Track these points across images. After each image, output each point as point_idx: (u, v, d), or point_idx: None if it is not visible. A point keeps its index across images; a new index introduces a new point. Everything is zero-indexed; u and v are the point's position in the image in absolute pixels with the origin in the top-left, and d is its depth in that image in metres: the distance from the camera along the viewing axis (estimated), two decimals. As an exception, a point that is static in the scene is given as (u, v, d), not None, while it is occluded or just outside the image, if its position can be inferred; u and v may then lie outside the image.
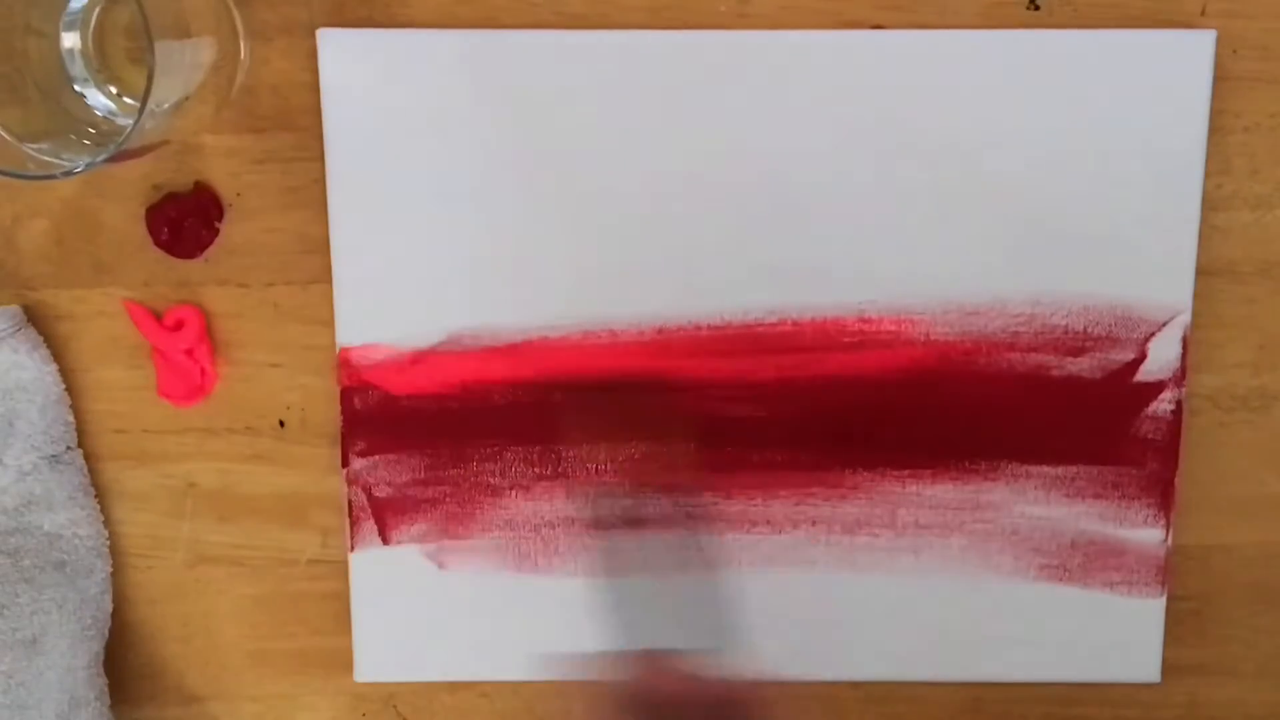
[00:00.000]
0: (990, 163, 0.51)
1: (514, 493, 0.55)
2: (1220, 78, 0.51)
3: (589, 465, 0.54)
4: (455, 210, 0.52)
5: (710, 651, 0.47)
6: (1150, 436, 0.54)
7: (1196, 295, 0.53)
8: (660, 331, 0.53)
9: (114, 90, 0.49)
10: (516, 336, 0.53)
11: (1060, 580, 0.55)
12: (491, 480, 0.54)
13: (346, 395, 0.54)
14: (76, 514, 0.54)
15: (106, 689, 0.55)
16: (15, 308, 0.53)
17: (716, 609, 0.48)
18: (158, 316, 0.54)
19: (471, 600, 0.55)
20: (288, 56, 0.51)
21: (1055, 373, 0.53)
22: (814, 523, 0.55)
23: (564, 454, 0.54)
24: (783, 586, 0.55)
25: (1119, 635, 0.55)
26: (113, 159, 0.44)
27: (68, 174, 0.44)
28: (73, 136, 0.48)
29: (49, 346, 0.54)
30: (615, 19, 0.51)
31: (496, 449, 0.54)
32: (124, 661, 0.57)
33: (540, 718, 0.57)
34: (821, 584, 0.55)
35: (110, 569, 0.55)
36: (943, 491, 0.54)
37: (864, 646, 0.56)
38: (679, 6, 0.51)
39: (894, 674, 0.56)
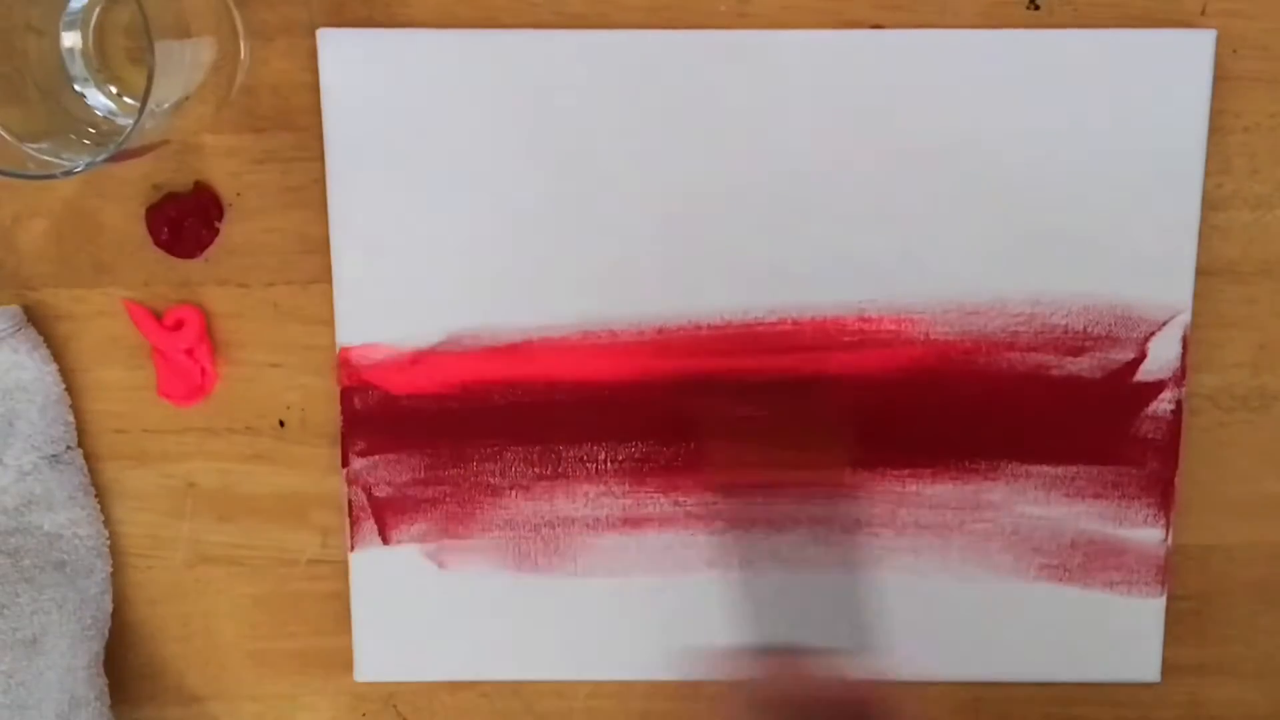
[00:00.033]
0: (990, 162, 0.51)
1: (514, 493, 0.55)
2: (1220, 78, 0.51)
3: (589, 465, 0.54)
4: (455, 210, 0.52)
5: (844, 651, 0.46)
6: (1150, 436, 0.54)
7: (1196, 295, 0.53)
8: (660, 331, 0.53)
9: (114, 90, 0.49)
10: (516, 336, 0.53)
11: (1060, 580, 0.55)
12: (491, 480, 0.54)
13: (346, 395, 0.54)
14: (76, 514, 0.54)
15: (106, 689, 0.55)
16: (15, 308, 0.53)
17: (854, 608, 0.47)
18: (158, 316, 0.54)
19: (471, 600, 0.55)
20: (288, 56, 0.51)
21: (1055, 373, 0.53)
22: (814, 523, 0.55)
23: (564, 454, 0.54)
24: (783, 586, 0.55)
25: (1119, 635, 0.55)
26: (113, 159, 0.44)
27: (68, 174, 0.44)
28: (73, 136, 0.48)
29: (49, 346, 0.54)
30: (615, 19, 0.51)
31: (496, 449, 0.54)
32: (124, 661, 0.57)
33: (540, 717, 0.57)
34: (822, 584, 0.55)
35: (110, 569, 0.55)
36: (943, 491, 0.54)
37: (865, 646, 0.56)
38: (679, 6, 0.51)
39: (894, 674, 0.56)
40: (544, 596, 0.55)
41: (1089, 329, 0.53)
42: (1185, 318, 0.53)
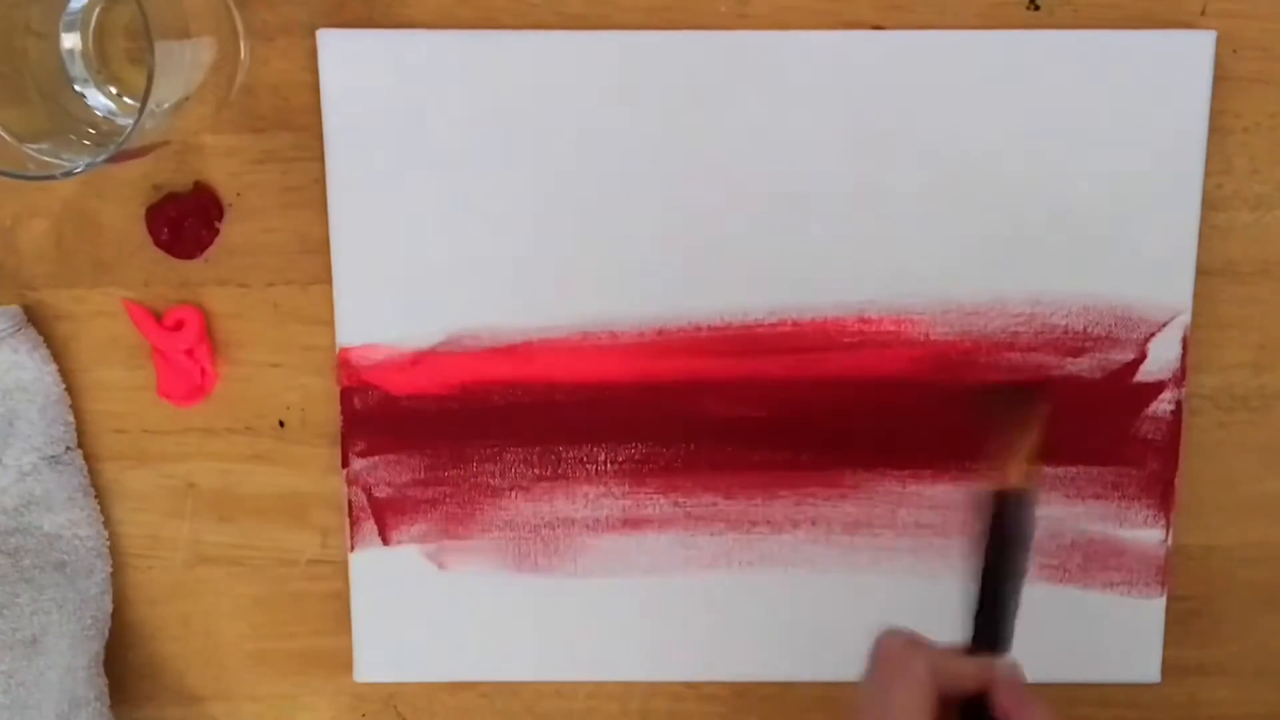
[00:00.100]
0: (990, 163, 0.51)
1: (514, 493, 0.55)
2: (1220, 78, 0.51)
3: (589, 466, 0.54)
4: (455, 210, 0.52)
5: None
6: (1150, 436, 0.54)
7: (1196, 295, 0.53)
8: (660, 332, 0.53)
9: (114, 90, 0.49)
10: (516, 337, 0.53)
11: (1060, 580, 0.55)
12: (491, 480, 0.54)
13: (346, 395, 0.54)
14: (76, 514, 0.54)
15: (106, 689, 0.55)
16: (15, 308, 0.53)
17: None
18: (158, 316, 0.54)
19: (471, 600, 0.55)
20: (288, 56, 0.51)
21: (1055, 373, 0.53)
22: (814, 523, 0.55)
23: (564, 455, 0.54)
24: (783, 586, 0.55)
25: (1119, 635, 0.55)
26: (113, 159, 0.44)
27: (68, 174, 0.44)
28: (73, 136, 0.48)
29: (49, 346, 0.54)
30: (615, 19, 0.51)
31: (496, 449, 0.54)
32: (124, 661, 0.57)
33: (540, 717, 0.57)
34: (821, 584, 0.55)
35: (110, 569, 0.55)
36: (943, 491, 0.54)
37: (865, 646, 0.55)
38: (679, 7, 0.51)
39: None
40: (544, 596, 0.55)
41: (1089, 329, 0.53)
42: (1185, 318, 0.53)
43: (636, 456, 0.54)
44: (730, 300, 0.53)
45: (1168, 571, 0.55)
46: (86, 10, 0.48)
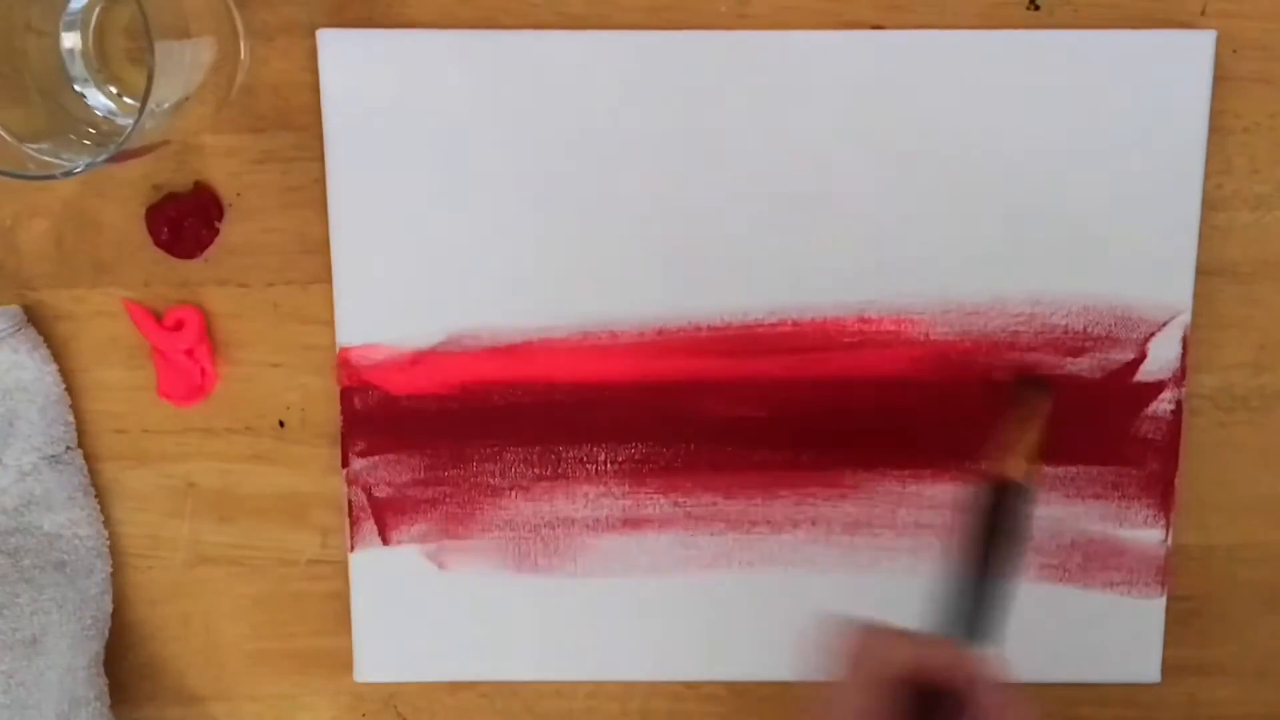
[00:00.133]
0: (990, 162, 0.51)
1: (514, 493, 0.55)
2: (1220, 78, 0.51)
3: (589, 466, 0.54)
4: (455, 210, 0.52)
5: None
6: (1150, 436, 0.54)
7: (1196, 295, 0.53)
8: (660, 332, 0.53)
9: (114, 90, 0.49)
10: (516, 337, 0.53)
11: (1060, 580, 0.55)
12: (491, 480, 0.54)
13: (346, 395, 0.54)
14: (76, 514, 0.54)
15: (106, 689, 0.55)
16: (15, 308, 0.53)
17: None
18: (158, 316, 0.54)
19: (471, 600, 0.55)
20: (288, 56, 0.51)
21: (1055, 373, 0.53)
22: (814, 523, 0.55)
23: (564, 455, 0.54)
24: (783, 586, 0.55)
25: (1119, 635, 0.55)
26: (113, 159, 0.44)
27: (68, 174, 0.44)
28: (73, 136, 0.48)
29: (49, 346, 0.54)
30: (615, 19, 0.51)
31: (496, 449, 0.54)
32: (124, 661, 0.57)
33: (540, 717, 0.57)
34: (821, 584, 0.55)
35: (110, 569, 0.55)
36: (943, 491, 0.54)
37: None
38: (679, 7, 0.51)
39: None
40: (544, 596, 0.55)
41: (1089, 329, 0.53)
42: (1185, 318, 0.53)
43: (636, 456, 0.54)
44: (730, 300, 0.53)
45: (1168, 571, 0.55)
46: (86, 10, 0.48)
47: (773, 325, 0.53)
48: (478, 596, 0.55)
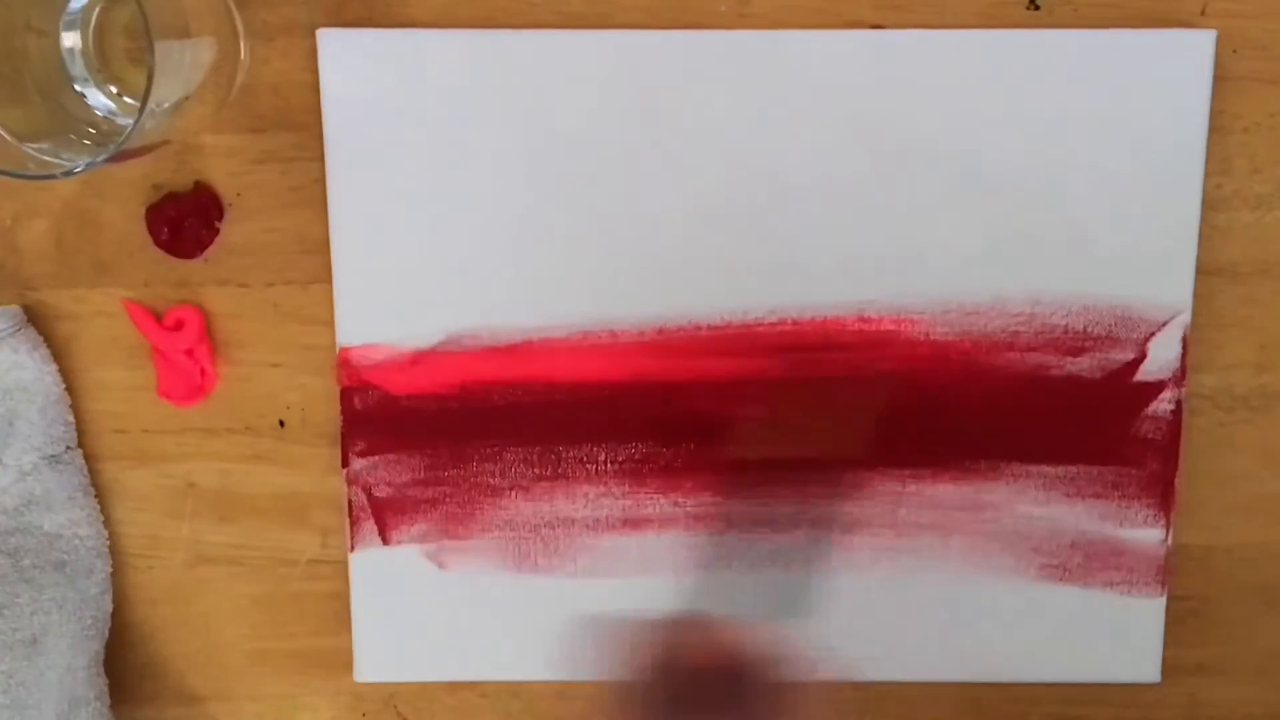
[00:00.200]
0: (990, 162, 0.51)
1: (514, 493, 0.55)
2: (1220, 78, 0.51)
3: (589, 466, 0.54)
4: (455, 210, 0.52)
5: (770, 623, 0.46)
6: (1150, 436, 0.54)
7: (1196, 295, 0.53)
8: (660, 331, 0.53)
9: (114, 90, 0.49)
10: (516, 336, 0.53)
11: (1060, 580, 0.55)
12: (491, 480, 0.54)
13: (346, 395, 0.54)
14: (76, 514, 0.54)
15: (106, 689, 0.55)
16: (15, 308, 0.53)
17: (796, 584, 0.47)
18: (158, 316, 0.54)
19: (471, 600, 0.55)
20: (288, 56, 0.51)
21: (1055, 373, 0.53)
22: (814, 523, 0.55)
23: (564, 455, 0.54)
24: (783, 586, 0.55)
25: (1119, 635, 0.55)
26: (113, 159, 0.44)
27: (68, 174, 0.44)
28: (73, 136, 0.48)
29: (49, 346, 0.54)
30: (615, 19, 0.51)
31: (496, 449, 0.54)
32: (124, 661, 0.57)
33: (540, 718, 0.57)
34: (821, 584, 0.55)
35: (110, 569, 0.55)
36: (943, 491, 0.54)
37: (864, 646, 0.56)
38: (679, 6, 0.51)
39: (894, 674, 0.56)
40: (544, 596, 0.55)
41: (1089, 329, 0.53)
42: (1185, 318, 0.53)
43: (636, 456, 0.54)
44: (730, 300, 0.53)
45: (1168, 571, 0.55)
46: (86, 10, 0.48)
47: (773, 325, 0.53)
48: (478, 596, 0.55)
